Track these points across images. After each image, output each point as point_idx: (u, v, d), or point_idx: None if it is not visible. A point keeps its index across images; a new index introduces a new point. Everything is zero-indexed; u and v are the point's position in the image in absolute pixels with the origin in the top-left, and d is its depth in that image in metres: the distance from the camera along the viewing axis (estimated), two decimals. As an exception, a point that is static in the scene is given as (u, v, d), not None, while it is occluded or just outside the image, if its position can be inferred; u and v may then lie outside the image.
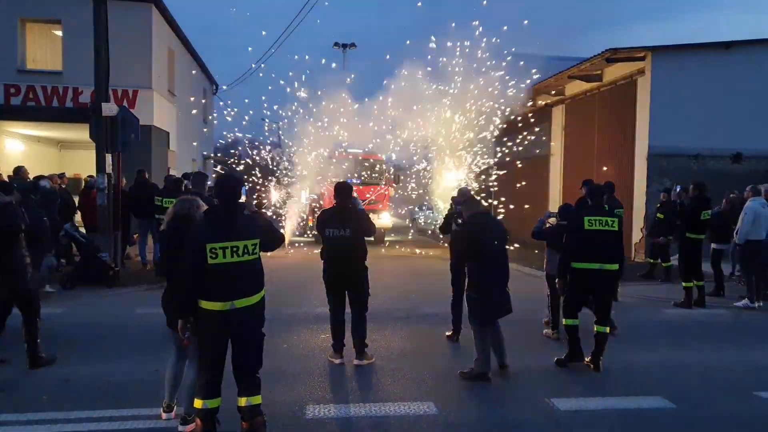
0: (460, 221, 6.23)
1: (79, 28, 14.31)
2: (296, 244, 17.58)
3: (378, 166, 19.13)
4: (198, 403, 3.83)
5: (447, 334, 6.83)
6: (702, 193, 9.18)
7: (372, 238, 18.41)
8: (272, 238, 4.05)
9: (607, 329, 5.82)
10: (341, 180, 6.94)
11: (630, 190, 14.41)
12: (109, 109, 9.89)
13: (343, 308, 5.95)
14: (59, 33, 16.62)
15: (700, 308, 8.87)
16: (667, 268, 11.05)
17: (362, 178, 18.53)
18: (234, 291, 3.75)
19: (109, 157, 10.13)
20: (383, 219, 18.51)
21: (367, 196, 17.48)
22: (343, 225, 5.73)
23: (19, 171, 9.68)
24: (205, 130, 27.24)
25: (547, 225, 7.19)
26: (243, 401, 3.86)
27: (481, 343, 5.39)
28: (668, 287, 10.44)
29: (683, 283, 9.05)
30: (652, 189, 13.93)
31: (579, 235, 5.68)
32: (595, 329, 5.75)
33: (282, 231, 4.50)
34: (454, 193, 7.59)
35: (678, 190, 10.32)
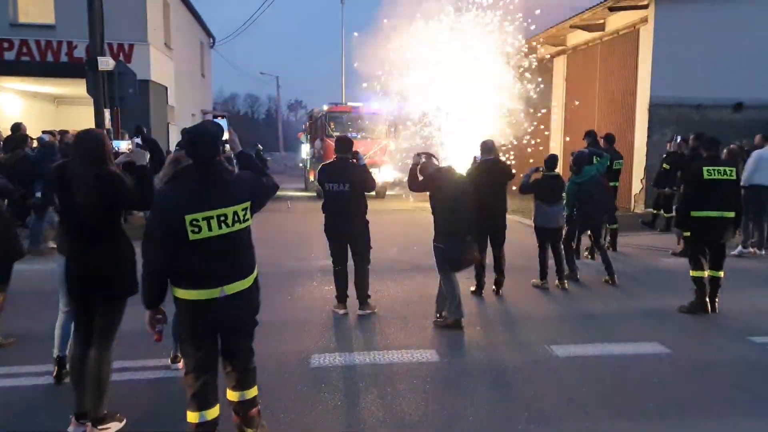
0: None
1: (70, -21, 13.99)
2: (290, 204, 17.65)
3: (377, 118, 18.96)
4: (193, 417, 3.05)
5: (471, 289, 6.77)
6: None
7: (373, 193, 18.58)
8: (264, 193, 3.25)
9: (721, 273, 6.09)
10: (341, 134, 6.95)
11: (630, 141, 14.36)
12: (106, 63, 9.75)
13: (345, 259, 6.07)
14: (50, -16, 16.22)
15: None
16: (669, 219, 11.12)
17: (361, 132, 18.43)
18: (224, 273, 2.98)
19: (107, 113, 10.06)
20: (384, 173, 18.52)
21: (361, 150, 17.39)
22: (343, 179, 5.80)
23: (18, 127, 9.65)
24: (203, 79, 26.93)
25: (533, 178, 7.27)
26: (236, 396, 3.20)
27: (450, 291, 5.49)
28: (669, 237, 10.50)
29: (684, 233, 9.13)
30: (653, 139, 13.89)
31: (698, 184, 5.92)
32: (710, 274, 6.06)
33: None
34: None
35: (678, 140, 10.30)
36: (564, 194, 7.37)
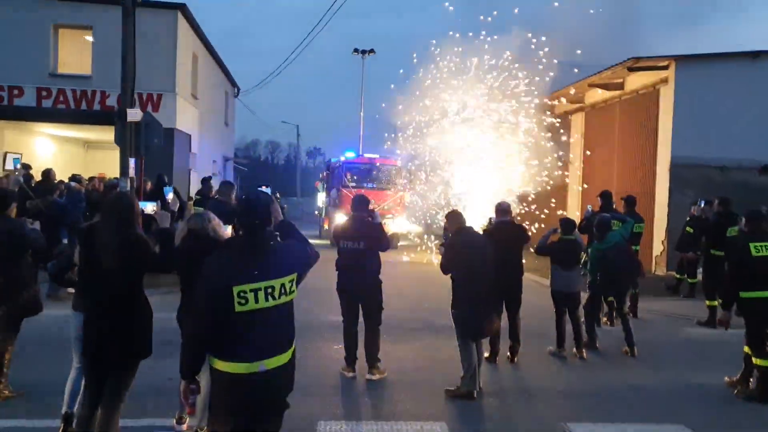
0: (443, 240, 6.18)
1: (109, 33, 14.65)
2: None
3: (393, 170, 19.14)
4: None
5: (485, 355, 6.46)
6: (727, 209, 9.02)
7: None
8: (309, 264, 3.18)
9: None
10: (359, 191, 6.98)
11: (651, 201, 14.20)
12: (134, 114, 10.08)
13: (356, 320, 5.98)
14: (90, 38, 17.01)
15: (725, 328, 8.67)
16: (693, 285, 10.84)
17: (376, 183, 18.61)
18: (265, 346, 2.87)
19: (132, 161, 10.32)
20: (398, 224, 18.56)
21: (376, 201, 17.55)
22: (358, 237, 5.78)
23: (48, 174, 9.91)
24: (226, 127, 27.61)
25: (550, 240, 7.17)
26: None
27: (466, 360, 5.34)
28: (692, 304, 10.22)
29: (707, 302, 8.87)
30: (674, 200, 13.71)
31: (746, 262, 5.51)
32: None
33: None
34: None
35: (702, 205, 10.12)
36: (581, 259, 7.25)
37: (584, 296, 7.51)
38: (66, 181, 11.06)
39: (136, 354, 3.61)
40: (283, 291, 2.89)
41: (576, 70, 16.78)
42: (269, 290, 2.84)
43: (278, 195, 22.47)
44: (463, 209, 9.74)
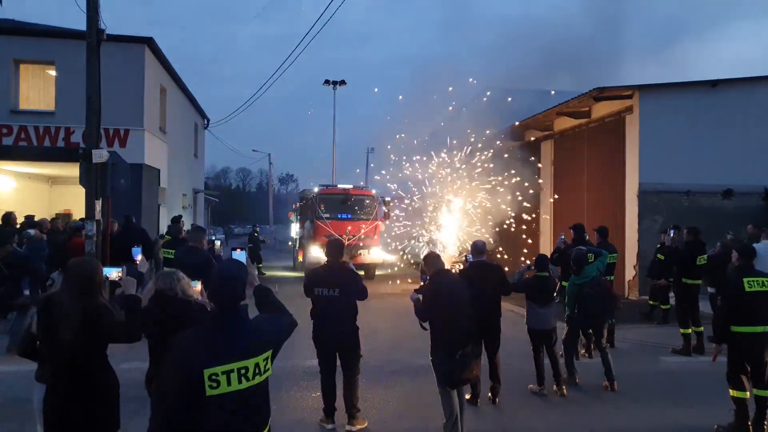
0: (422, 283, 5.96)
1: (72, 68, 14.37)
2: (277, 287, 17.40)
3: (368, 200, 19.10)
4: None
5: (466, 397, 6.34)
6: (696, 238, 9.20)
7: (361, 272, 18.42)
8: (285, 338, 2.97)
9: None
10: (334, 238, 6.83)
11: (621, 227, 14.44)
12: (100, 155, 9.81)
13: (333, 370, 5.81)
14: (53, 73, 16.65)
15: (700, 355, 8.75)
16: (666, 311, 10.99)
17: (351, 213, 18.51)
18: (237, 430, 2.70)
19: (98, 203, 10.02)
20: (373, 254, 18.45)
21: (351, 231, 17.50)
22: (333, 285, 5.63)
23: (9, 219, 9.54)
24: (195, 159, 27.26)
25: (525, 276, 7.16)
26: None
27: (446, 409, 5.20)
28: (666, 330, 10.36)
29: (681, 330, 8.97)
30: (643, 225, 13.97)
31: (739, 297, 5.51)
32: (756, 393, 5.49)
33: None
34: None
35: (672, 233, 10.30)
36: (556, 295, 7.26)
37: (562, 328, 7.51)
38: (19, 218, 10.56)
39: (101, 430, 3.41)
40: (257, 371, 2.70)
41: (552, 92, 17.18)
42: (243, 371, 2.64)
43: (257, 228, 22.06)
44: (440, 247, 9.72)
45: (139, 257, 4.72)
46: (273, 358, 2.82)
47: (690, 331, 8.95)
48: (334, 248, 5.88)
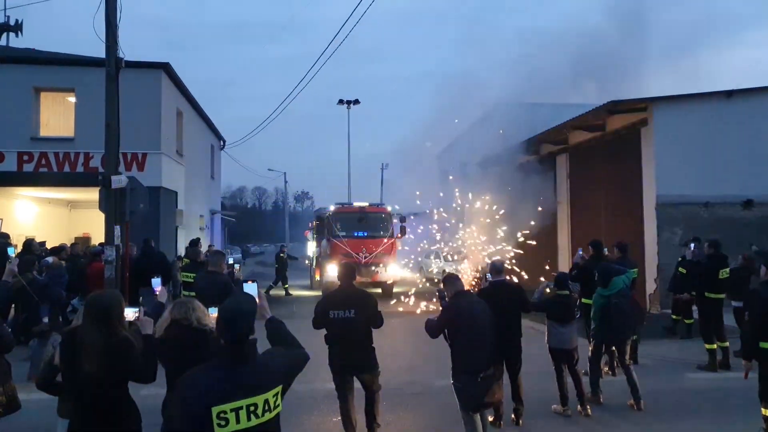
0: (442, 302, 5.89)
1: (91, 95, 14.63)
2: (294, 305, 17.37)
3: (384, 217, 19.12)
4: None
5: (489, 419, 6.28)
6: (717, 251, 9.05)
7: (378, 290, 18.37)
8: (296, 372, 2.94)
9: None
10: (347, 261, 6.82)
11: (641, 240, 14.27)
12: (119, 181, 9.96)
13: (352, 394, 5.73)
14: (72, 100, 17.00)
15: (726, 371, 8.58)
16: (689, 325, 10.78)
17: (366, 231, 18.53)
18: None
19: (117, 228, 10.15)
20: (390, 271, 18.40)
21: (367, 249, 17.50)
22: (348, 306, 5.58)
23: (30, 246, 9.68)
24: (212, 181, 27.55)
25: (545, 294, 7.09)
26: None
27: None
28: (690, 345, 10.15)
29: (706, 345, 8.80)
30: (663, 238, 13.81)
31: (766, 313, 5.46)
32: None
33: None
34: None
35: (692, 248, 10.14)
36: (577, 313, 7.18)
37: (584, 346, 7.39)
38: (34, 241, 10.66)
39: None
40: (267, 408, 2.63)
41: (569, 104, 17.04)
42: (252, 408, 2.58)
43: (285, 247, 22.03)
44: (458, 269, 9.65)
45: (158, 288, 4.74)
46: (284, 393, 2.76)
47: (715, 346, 8.78)
48: (347, 272, 5.86)
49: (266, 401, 2.63)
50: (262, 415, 2.61)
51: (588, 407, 6.75)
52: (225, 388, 2.56)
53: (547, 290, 7.31)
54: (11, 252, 5.07)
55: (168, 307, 4.25)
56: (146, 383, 3.63)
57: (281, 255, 20.51)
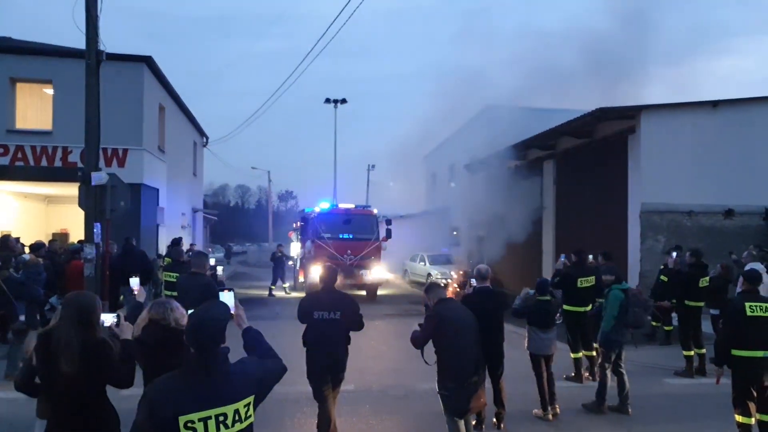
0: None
1: (69, 86, 14.38)
2: (278, 307, 17.21)
3: (369, 219, 19.03)
4: None
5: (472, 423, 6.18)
6: (699, 260, 9.18)
7: (363, 292, 18.25)
8: (271, 383, 2.86)
9: None
10: (329, 264, 6.71)
11: (624, 247, 14.36)
12: (99, 178, 9.73)
13: (331, 395, 5.60)
14: (50, 92, 16.63)
15: (702, 377, 8.68)
16: (668, 332, 10.91)
17: (352, 233, 18.41)
18: None
19: (98, 226, 9.91)
20: (375, 274, 18.31)
21: (352, 251, 17.36)
22: (334, 308, 5.53)
23: (6, 242, 9.40)
24: (194, 178, 27.21)
25: (526, 300, 7.10)
26: None
27: None
28: (668, 352, 10.25)
29: (684, 352, 8.92)
30: (646, 245, 13.91)
31: (740, 321, 5.48)
32: (760, 419, 5.44)
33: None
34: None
35: (674, 256, 10.23)
36: (557, 319, 7.22)
37: (563, 349, 7.38)
38: (10, 236, 10.38)
39: None
40: (237, 418, 2.56)
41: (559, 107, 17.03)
42: (221, 418, 2.52)
43: (281, 247, 21.74)
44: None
45: (137, 288, 4.61)
46: (257, 404, 2.69)
47: (692, 353, 8.91)
48: (329, 275, 5.80)
49: (236, 411, 2.56)
50: (232, 425, 2.55)
51: (557, 406, 6.80)
52: (193, 397, 2.49)
53: (529, 297, 7.28)
54: None
55: (146, 306, 4.14)
56: (124, 388, 3.52)
57: (278, 254, 20.28)
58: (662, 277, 10.61)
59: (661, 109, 14.35)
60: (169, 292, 8.35)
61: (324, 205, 19.27)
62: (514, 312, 6.97)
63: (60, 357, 3.27)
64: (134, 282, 4.69)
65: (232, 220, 73.69)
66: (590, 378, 8.43)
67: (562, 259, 9.89)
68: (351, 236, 18.22)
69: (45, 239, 15.02)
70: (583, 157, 16.93)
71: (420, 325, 5.42)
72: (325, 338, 5.51)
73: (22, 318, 7.69)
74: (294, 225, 25.93)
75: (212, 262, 9.41)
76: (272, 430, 6.14)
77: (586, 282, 8.70)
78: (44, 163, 15.79)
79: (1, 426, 5.65)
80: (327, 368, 5.55)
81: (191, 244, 19.29)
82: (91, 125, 9.89)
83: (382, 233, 18.92)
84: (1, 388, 5.22)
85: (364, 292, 18.75)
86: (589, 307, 8.72)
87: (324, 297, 5.67)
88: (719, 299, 9.89)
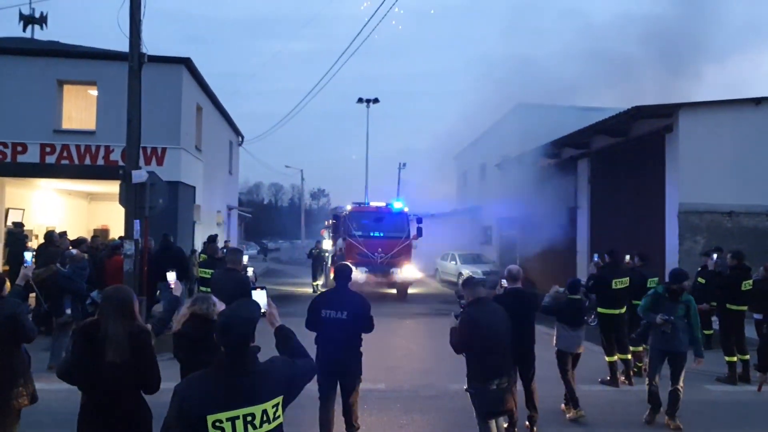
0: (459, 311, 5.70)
1: (113, 88, 14.82)
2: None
3: (400, 218, 19.06)
4: None
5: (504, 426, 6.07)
6: (741, 262, 8.91)
7: (393, 290, 18.27)
8: (300, 384, 2.83)
9: None
10: (343, 263, 6.71)
11: (661, 248, 14.04)
12: (139, 176, 10.02)
13: (333, 399, 5.59)
14: (94, 93, 17.17)
15: (746, 384, 8.43)
16: (708, 336, 10.57)
17: (383, 231, 18.48)
18: None
19: (137, 223, 10.21)
20: (406, 273, 18.33)
21: (383, 250, 17.40)
22: (341, 307, 5.46)
23: (51, 238, 9.75)
24: (230, 176, 27.70)
25: (556, 297, 7.06)
26: None
27: None
28: (709, 357, 9.92)
29: (726, 357, 8.67)
30: (684, 247, 13.58)
31: None
32: None
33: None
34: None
35: (714, 258, 9.96)
36: (587, 318, 7.15)
37: (592, 351, 7.27)
38: (54, 233, 10.73)
39: None
40: (265, 418, 2.54)
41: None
42: (249, 418, 2.51)
43: (320, 243, 22.07)
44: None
45: (173, 283, 4.74)
46: (286, 404, 2.66)
47: (735, 359, 8.64)
48: (342, 273, 5.76)
49: (264, 411, 2.55)
50: (260, 426, 2.53)
51: (581, 410, 6.69)
52: (221, 396, 2.49)
53: (560, 295, 7.22)
54: (28, 257, 5.06)
55: (186, 302, 4.25)
56: (151, 392, 3.57)
57: (316, 251, 20.59)
58: (699, 279, 10.33)
59: (699, 107, 13.99)
60: (204, 288, 8.55)
61: (356, 203, 19.39)
62: (543, 309, 6.93)
63: (107, 347, 3.36)
64: (171, 276, 4.82)
65: (266, 217, 74.69)
66: (626, 382, 8.29)
67: (596, 259, 9.74)
68: (382, 234, 18.29)
69: (87, 235, 15.57)
70: (619, 155, 16.61)
71: (453, 327, 5.39)
72: (330, 339, 5.42)
73: (68, 311, 7.99)
74: (326, 223, 26.17)
75: (244, 260, 9.53)
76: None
77: (621, 283, 8.54)
78: (87, 161, 16.30)
79: (43, 416, 5.86)
80: (332, 368, 5.43)
81: (225, 241, 19.67)
82: (132, 125, 10.20)
83: (413, 232, 18.93)
84: (45, 380, 5.44)
85: (394, 291, 18.79)
86: (623, 310, 8.56)
87: (333, 295, 5.66)
88: (763, 303, 9.60)
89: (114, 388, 3.40)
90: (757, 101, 13.95)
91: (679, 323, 6.49)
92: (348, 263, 6.48)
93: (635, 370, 8.61)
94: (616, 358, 8.43)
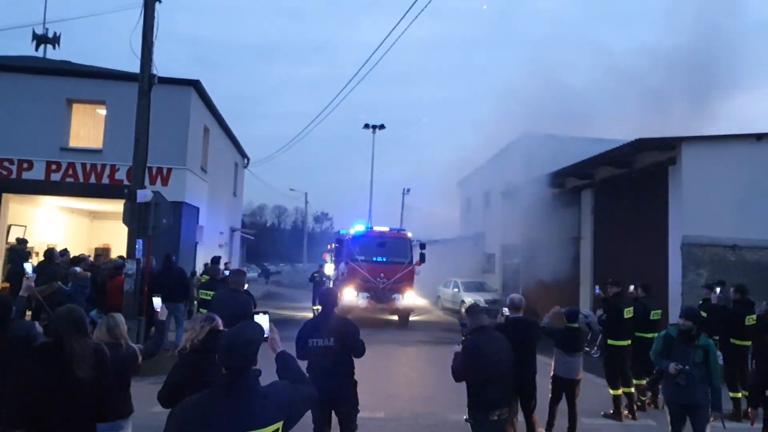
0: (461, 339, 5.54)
1: (121, 107, 14.98)
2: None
3: (403, 243, 19.02)
4: None
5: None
6: (744, 297, 8.84)
7: (395, 317, 18.13)
8: (301, 409, 2.78)
9: None
10: (328, 287, 6.62)
11: (664, 280, 13.97)
12: (144, 195, 10.08)
13: (328, 427, 5.38)
14: (103, 112, 17.35)
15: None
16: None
17: (386, 256, 18.42)
18: None
19: (140, 242, 10.23)
20: (407, 299, 18.21)
21: (385, 275, 17.32)
22: (328, 335, 5.27)
23: (51, 255, 9.76)
24: (234, 198, 27.79)
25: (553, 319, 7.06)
26: None
27: None
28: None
29: (731, 393, 8.52)
30: (688, 279, 13.50)
31: None
32: None
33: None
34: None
35: (718, 292, 9.90)
36: (584, 345, 7.16)
37: (594, 382, 7.17)
38: (55, 250, 10.78)
39: None
40: None
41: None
42: None
43: (322, 267, 22.00)
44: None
45: (158, 308, 4.70)
46: (286, 430, 2.60)
47: (740, 395, 8.49)
48: (329, 298, 5.58)
49: None
50: None
51: None
52: (220, 420, 2.44)
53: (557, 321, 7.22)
54: (28, 268, 5.05)
55: (192, 322, 4.22)
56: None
57: (316, 276, 20.54)
58: (702, 312, 10.23)
59: (702, 141, 14.06)
60: (204, 310, 8.49)
61: (359, 228, 19.37)
62: (542, 330, 6.89)
63: (74, 364, 3.38)
64: (157, 302, 4.74)
65: (268, 240, 74.68)
66: (629, 416, 8.16)
67: (597, 291, 9.69)
68: (385, 259, 18.23)
69: (88, 253, 15.56)
70: (623, 186, 16.64)
71: (457, 351, 5.32)
72: (318, 369, 5.21)
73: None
74: (329, 246, 26.14)
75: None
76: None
77: (628, 313, 8.47)
78: (93, 179, 16.39)
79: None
80: (322, 403, 4.94)
81: (226, 263, 19.63)
82: (139, 144, 10.30)
83: (416, 257, 18.87)
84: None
85: (396, 317, 18.66)
86: (629, 342, 8.43)
87: (320, 322, 5.44)
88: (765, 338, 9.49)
89: (81, 402, 3.40)
90: (759, 137, 14.03)
91: (696, 372, 5.60)
92: (333, 288, 6.36)
93: (638, 404, 8.48)
94: (620, 391, 8.31)
